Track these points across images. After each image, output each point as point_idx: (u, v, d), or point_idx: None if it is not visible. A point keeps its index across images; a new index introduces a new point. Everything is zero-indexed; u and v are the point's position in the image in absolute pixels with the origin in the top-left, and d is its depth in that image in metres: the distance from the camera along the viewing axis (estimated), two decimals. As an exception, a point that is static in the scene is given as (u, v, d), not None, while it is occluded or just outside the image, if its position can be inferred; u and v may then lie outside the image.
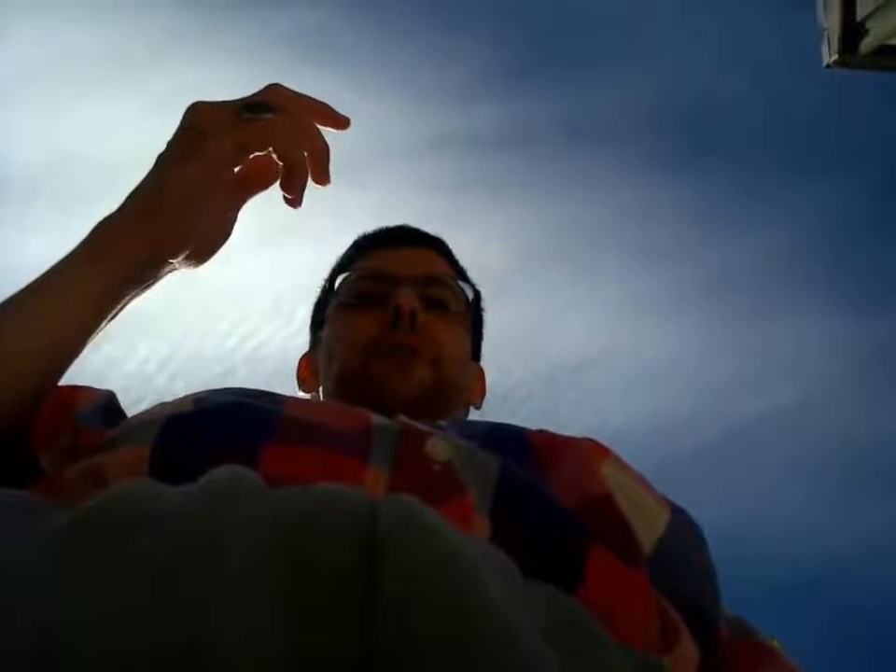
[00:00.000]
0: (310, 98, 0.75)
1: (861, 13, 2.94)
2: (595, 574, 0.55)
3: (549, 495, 0.60)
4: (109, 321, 0.71)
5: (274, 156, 0.73)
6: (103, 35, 4.11)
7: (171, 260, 0.72)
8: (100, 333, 0.71)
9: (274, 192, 0.76)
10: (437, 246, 1.04)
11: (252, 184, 0.77)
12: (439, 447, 0.61)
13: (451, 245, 1.06)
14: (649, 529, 0.62)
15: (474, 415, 1.03)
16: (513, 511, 0.57)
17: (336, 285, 0.98)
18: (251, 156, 0.73)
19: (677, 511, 0.68)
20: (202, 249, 0.74)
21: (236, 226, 0.77)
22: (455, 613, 0.38)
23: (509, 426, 0.72)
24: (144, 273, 0.71)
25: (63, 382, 0.71)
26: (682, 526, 0.67)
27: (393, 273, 0.94)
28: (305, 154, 0.74)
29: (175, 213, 0.71)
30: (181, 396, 0.68)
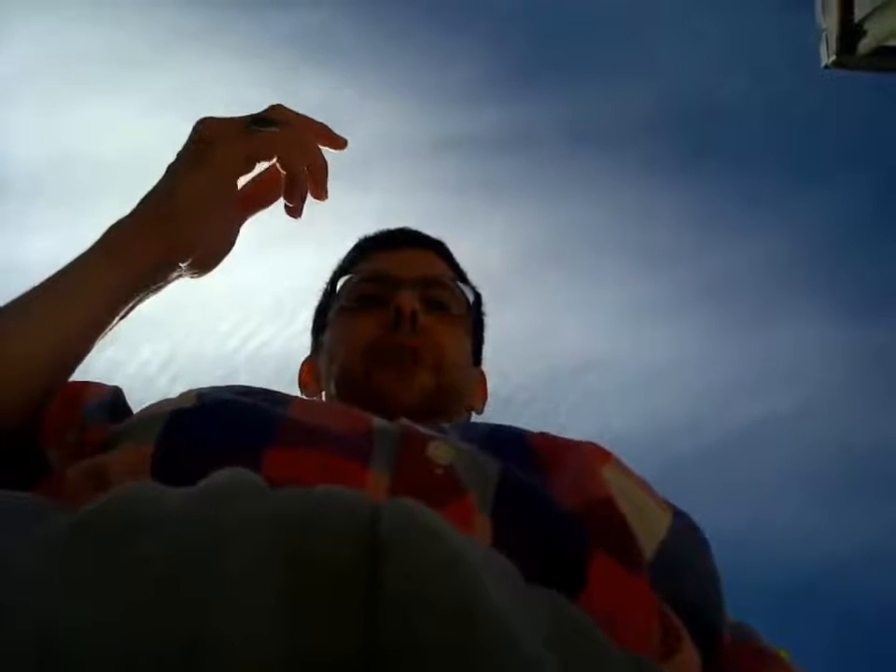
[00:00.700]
0: (310, 118, 0.78)
1: (858, 14, 2.95)
2: (597, 579, 0.55)
3: (550, 498, 0.60)
4: (118, 322, 0.73)
5: (278, 165, 0.76)
6: (104, 34, 4.11)
7: (180, 264, 0.74)
8: (108, 334, 0.73)
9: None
10: (437, 249, 1.04)
11: (256, 201, 0.80)
12: (440, 450, 0.61)
13: (452, 248, 1.07)
14: (650, 534, 0.62)
15: (475, 420, 1.02)
16: (515, 515, 0.57)
17: (337, 288, 0.98)
18: (255, 168, 0.76)
19: (678, 515, 0.68)
20: (207, 257, 0.76)
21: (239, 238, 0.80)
22: (457, 616, 0.38)
23: (510, 428, 0.72)
24: (154, 276, 0.73)
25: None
26: (684, 531, 0.67)
27: (394, 274, 0.95)
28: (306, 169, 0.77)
29: (186, 218, 0.73)
30: (184, 391, 0.68)
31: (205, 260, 0.76)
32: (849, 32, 2.97)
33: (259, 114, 0.76)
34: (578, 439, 0.71)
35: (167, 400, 0.67)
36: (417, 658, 0.37)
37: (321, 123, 0.79)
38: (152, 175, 0.75)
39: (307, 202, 0.78)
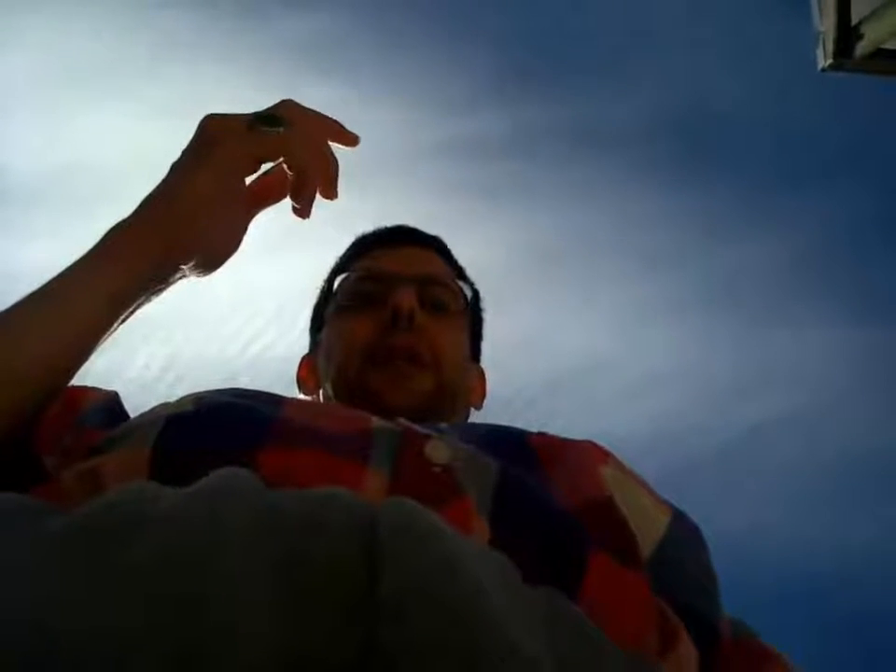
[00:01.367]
0: (321, 114, 0.77)
1: (855, 17, 2.95)
2: (595, 577, 0.55)
3: (549, 497, 0.60)
4: (119, 324, 0.72)
5: (285, 166, 0.74)
6: (105, 42, 4.12)
7: (182, 266, 0.73)
8: (110, 337, 0.71)
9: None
10: (435, 246, 1.04)
11: (262, 198, 0.78)
12: (439, 450, 0.61)
13: (454, 251, 1.06)
14: (648, 532, 0.62)
15: (474, 417, 1.03)
16: (513, 514, 0.57)
17: (335, 286, 0.98)
18: (262, 167, 0.75)
19: (677, 515, 0.68)
20: (211, 257, 0.75)
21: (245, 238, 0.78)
22: (455, 617, 0.39)
23: (508, 428, 0.72)
24: (155, 278, 0.72)
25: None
26: (682, 529, 0.67)
27: (391, 272, 0.94)
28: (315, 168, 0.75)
29: (187, 218, 0.72)
30: (180, 396, 0.68)
31: (209, 260, 0.75)
32: (846, 35, 2.97)
33: (266, 111, 0.74)
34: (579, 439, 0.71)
35: (163, 405, 0.66)
36: (416, 658, 0.37)
37: (332, 120, 0.77)
38: (155, 182, 0.74)
39: (317, 201, 0.76)
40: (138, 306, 0.73)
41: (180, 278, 0.75)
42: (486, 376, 1.08)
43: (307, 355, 1.06)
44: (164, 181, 0.74)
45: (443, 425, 0.72)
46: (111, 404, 0.74)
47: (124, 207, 0.73)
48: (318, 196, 0.77)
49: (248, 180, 0.76)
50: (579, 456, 0.67)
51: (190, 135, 0.74)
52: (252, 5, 4.34)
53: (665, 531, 0.64)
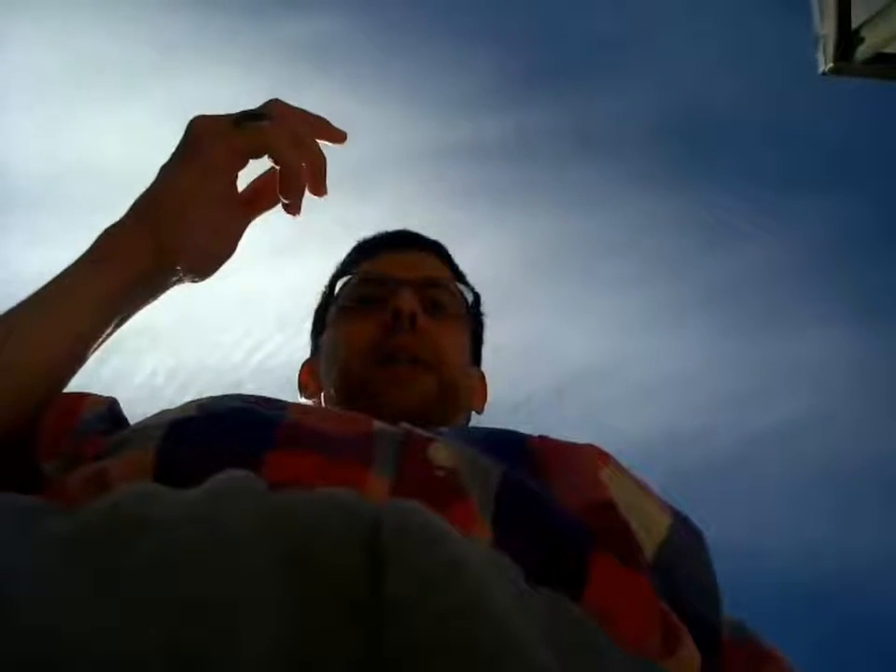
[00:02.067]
0: (308, 112, 0.76)
1: (856, 21, 2.95)
2: (598, 579, 0.55)
3: (551, 500, 0.60)
4: (114, 329, 0.71)
5: (270, 161, 0.73)
6: (109, 44, 4.13)
7: (174, 268, 0.72)
8: (105, 341, 0.71)
9: (279, 207, 0.76)
10: (436, 250, 1.05)
11: (256, 203, 0.77)
12: (441, 453, 0.61)
13: (457, 257, 1.07)
14: (650, 534, 0.62)
15: (476, 420, 1.02)
16: (516, 517, 0.57)
17: (336, 289, 0.98)
18: (249, 163, 0.73)
19: (678, 517, 0.68)
20: (203, 260, 0.74)
21: (242, 240, 0.77)
22: (460, 619, 0.39)
23: (510, 431, 0.72)
24: (147, 282, 0.71)
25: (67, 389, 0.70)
26: (684, 532, 0.67)
27: (393, 276, 0.95)
28: (303, 164, 0.74)
29: (172, 220, 0.71)
30: (184, 403, 0.68)
31: (202, 263, 0.74)
32: (847, 39, 2.97)
33: (252, 109, 0.73)
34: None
35: (166, 411, 0.66)
36: (420, 661, 0.37)
37: (318, 116, 0.76)
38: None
39: (313, 200, 0.75)
40: (132, 310, 0.72)
41: (175, 282, 0.74)
42: (488, 381, 1.08)
43: (308, 359, 1.06)
44: (152, 183, 0.73)
45: (444, 429, 0.72)
46: (111, 410, 0.73)
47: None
48: (316, 198, 0.75)
49: (241, 183, 0.75)
50: (580, 459, 0.67)
51: None
52: (255, 7, 4.35)
53: (666, 533, 0.64)
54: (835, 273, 5.18)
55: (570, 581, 0.54)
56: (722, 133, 5.15)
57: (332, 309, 0.99)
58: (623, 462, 0.69)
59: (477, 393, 1.04)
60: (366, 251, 1.04)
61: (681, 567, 0.63)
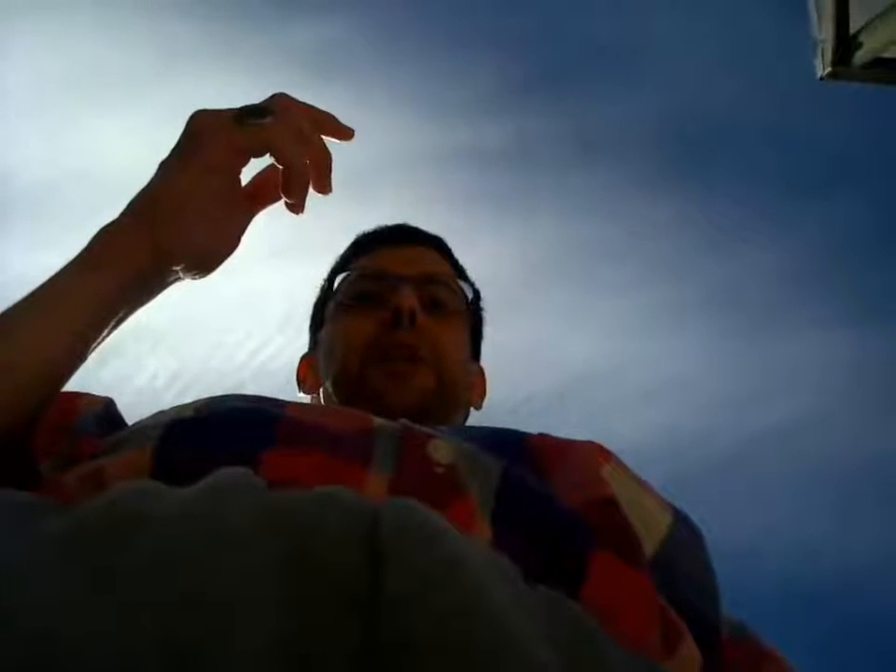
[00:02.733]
0: (313, 107, 0.74)
1: (854, 26, 2.95)
2: (598, 577, 0.55)
3: (552, 497, 0.60)
4: (113, 328, 0.70)
5: (272, 158, 0.71)
6: (111, 49, 4.13)
7: (172, 266, 0.71)
8: (104, 341, 0.70)
9: (282, 205, 0.75)
10: (436, 244, 1.04)
11: (258, 199, 0.76)
12: (441, 450, 0.60)
13: (458, 258, 1.07)
14: (650, 532, 0.62)
15: (476, 418, 1.03)
16: (516, 514, 0.57)
17: (335, 284, 0.98)
18: (251, 161, 0.72)
19: (679, 515, 0.67)
20: (202, 257, 0.73)
21: (244, 239, 0.76)
22: (459, 617, 0.39)
23: (509, 429, 0.72)
24: (145, 281, 0.70)
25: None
26: (684, 530, 0.67)
27: (392, 271, 0.94)
28: (307, 161, 0.72)
29: (171, 216, 0.70)
30: (181, 404, 0.67)
31: (201, 260, 0.73)
32: (845, 44, 2.97)
33: (255, 104, 0.71)
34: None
35: (164, 412, 0.66)
36: (417, 656, 0.37)
37: (324, 112, 0.74)
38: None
39: (317, 199, 0.74)
40: (131, 309, 0.71)
41: (174, 280, 0.72)
42: (488, 379, 1.08)
43: (307, 353, 1.06)
44: (150, 180, 0.72)
45: (443, 427, 0.71)
46: (108, 411, 0.73)
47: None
48: (320, 196, 0.74)
49: (244, 179, 0.74)
50: (581, 456, 0.66)
51: None
52: (256, 14, 4.36)
53: (667, 531, 0.64)
54: (834, 275, 5.18)
55: (570, 579, 0.54)
56: (722, 137, 5.15)
57: (331, 304, 0.98)
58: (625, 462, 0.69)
59: (476, 388, 1.03)
60: (365, 246, 1.04)
61: (681, 565, 0.63)
